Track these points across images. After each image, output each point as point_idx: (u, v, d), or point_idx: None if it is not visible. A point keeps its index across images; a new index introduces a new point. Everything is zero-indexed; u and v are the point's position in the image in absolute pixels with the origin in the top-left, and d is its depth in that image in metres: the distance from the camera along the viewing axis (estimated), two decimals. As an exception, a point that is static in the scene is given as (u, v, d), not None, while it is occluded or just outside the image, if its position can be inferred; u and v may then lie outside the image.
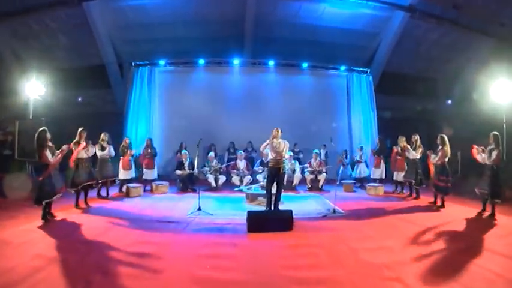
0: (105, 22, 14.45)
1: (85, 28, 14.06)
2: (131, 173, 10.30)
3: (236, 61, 14.01)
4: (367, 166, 12.41)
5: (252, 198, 8.51)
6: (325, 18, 14.81)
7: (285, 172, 7.49)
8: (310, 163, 11.18)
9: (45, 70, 12.74)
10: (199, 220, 6.85)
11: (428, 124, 16.83)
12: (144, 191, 10.39)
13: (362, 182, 11.83)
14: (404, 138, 10.09)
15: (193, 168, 10.49)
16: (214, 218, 6.98)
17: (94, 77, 15.72)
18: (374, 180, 11.39)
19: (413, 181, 9.36)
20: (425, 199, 9.08)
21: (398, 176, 10.16)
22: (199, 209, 7.36)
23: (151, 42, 15.17)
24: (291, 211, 6.21)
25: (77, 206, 7.86)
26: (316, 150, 11.41)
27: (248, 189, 8.78)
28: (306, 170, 11.09)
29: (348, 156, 13.29)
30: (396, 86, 16.96)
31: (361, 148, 12.45)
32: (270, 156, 7.34)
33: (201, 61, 13.93)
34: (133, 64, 14.07)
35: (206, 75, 14.18)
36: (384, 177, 11.35)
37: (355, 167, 12.44)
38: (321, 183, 10.94)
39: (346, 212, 7.70)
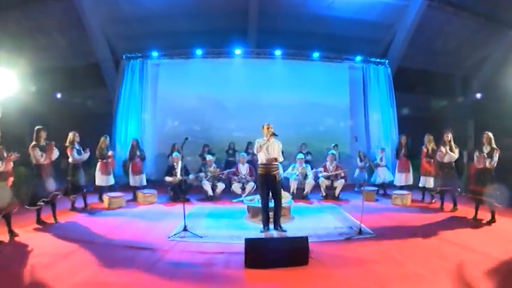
0: (98, 16, 13.03)
1: (77, 23, 12.72)
2: (110, 179, 8.80)
3: (238, 51, 12.40)
4: (389, 170, 10.74)
5: (254, 212, 6.83)
6: (336, 8, 13.23)
7: (281, 180, 6.01)
8: (325, 166, 9.47)
9: (35, 69, 11.50)
10: (183, 246, 5.19)
11: (449, 122, 15.32)
12: (131, 200, 8.94)
13: (384, 189, 10.15)
14: (432, 137, 8.67)
15: (186, 174, 8.87)
16: (203, 243, 5.33)
17: (88, 76, 14.48)
18: (399, 187, 9.65)
19: (451, 189, 7.75)
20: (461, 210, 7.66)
21: (426, 182, 8.64)
22: (185, 229, 5.70)
23: (149, 37, 13.70)
24: (306, 238, 4.47)
25: (39, 222, 6.35)
26: (333, 151, 9.72)
27: (250, 201, 7.08)
28: (320, 175, 9.38)
29: (365, 158, 11.52)
30: (412, 83, 15.47)
31: (383, 150, 10.72)
32: (261, 160, 5.80)
33: (199, 51, 12.37)
34: (124, 57, 12.64)
35: (204, 67, 12.60)
36: (410, 182, 9.63)
37: (375, 171, 10.73)
38: (337, 191, 9.23)
39: (374, 231, 5.99)
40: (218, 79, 12.49)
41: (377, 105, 13.12)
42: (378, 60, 13.49)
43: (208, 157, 9.47)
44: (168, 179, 8.86)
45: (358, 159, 10.96)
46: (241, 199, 7.88)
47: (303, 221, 6.71)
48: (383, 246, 5.21)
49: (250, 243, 4.23)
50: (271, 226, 5.91)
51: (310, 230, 5.91)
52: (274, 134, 5.73)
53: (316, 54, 12.71)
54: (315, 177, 9.35)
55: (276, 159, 5.75)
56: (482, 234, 5.91)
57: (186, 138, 6.03)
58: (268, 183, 5.77)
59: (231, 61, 12.61)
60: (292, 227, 6.07)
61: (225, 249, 4.98)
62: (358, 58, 13.18)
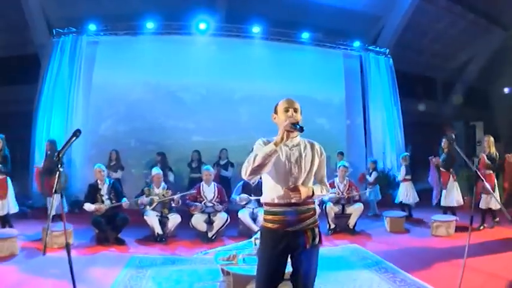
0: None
1: (16, 5, 9.17)
2: (5, 206, 5.51)
3: (203, 25, 9.20)
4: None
5: (237, 283, 3.52)
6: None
7: (317, 245, 2.45)
8: (332, 184, 6.42)
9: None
10: None
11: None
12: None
13: (409, 212, 7.51)
14: (493, 140, 6.36)
15: (118, 198, 5.52)
16: None
17: (26, 66, 10.61)
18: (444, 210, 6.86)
19: None
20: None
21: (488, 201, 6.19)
22: None
23: (87, 7, 10.10)
24: None
25: None
26: (344, 163, 6.70)
27: (229, 260, 3.67)
28: (327, 198, 6.28)
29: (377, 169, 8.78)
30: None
31: (406, 158, 7.92)
32: (270, 195, 2.39)
33: (150, 25, 9.15)
34: (54, 32, 9.21)
35: (156, 47, 9.44)
36: (461, 203, 6.82)
37: (399, 187, 7.87)
38: (353, 221, 6.20)
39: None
40: (174, 63, 9.37)
41: (379, 103, 10.60)
42: (378, 49, 10.85)
43: (155, 171, 6.02)
44: (89, 206, 5.44)
45: (366, 172, 8.40)
46: (209, 252, 4.38)
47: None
48: None
49: None
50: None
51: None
52: (299, 128, 2.27)
53: (305, 35, 9.84)
54: (321, 202, 6.25)
55: (312, 192, 2.37)
56: None
57: (76, 133, 2.60)
58: (287, 250, 2.39)
59: (193, 39, 9.50)
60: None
61: None
62: (357, 44, 10.48)
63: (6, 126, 8.68)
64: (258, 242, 3.52)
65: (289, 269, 2.43)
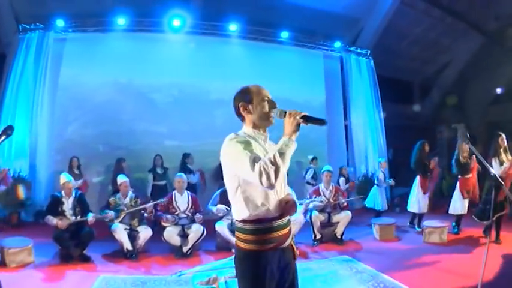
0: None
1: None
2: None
3: (177, 22, 8.69)
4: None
5: None
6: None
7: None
8: (317, 191, 6.01)
9: None
10: None
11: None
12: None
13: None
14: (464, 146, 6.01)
15: (83, 212, 4.92)
16: None
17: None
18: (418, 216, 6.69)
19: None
20: None
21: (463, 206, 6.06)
22: None
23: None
24: None
25: None
26: (328, 167, 6.30)
27: (209, 283, 3.16)
28: (312, 204, 5.86)
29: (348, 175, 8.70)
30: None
31: (385, 162, 7.64)
32: (261, 207, 1.88)
33: (121, 21, 8.51)
34: (20, 28, 8.43)
35: (127, 44, 8.87)
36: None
37: (376, 192, 7.53)
38: (340, 230, 5.81)
39: None
40: (146, 62, 8.78)
41: (361, 105, 10.33)
42: (359, 50, 10.60)
43: (121, 179, 5.43)
44: (51, 220, 4.81)
45: (341, 178, 8.16)
46: (186, 273, 3.87)
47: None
48: None
49: None
50: None
51: None
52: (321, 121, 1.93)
53: (284, 34, 9.47)
54: (306, 211, 5.81)
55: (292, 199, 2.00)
56: None
57: (7, 131, 1.96)
58: (283, 272, 1.93)
59: (166, 37, 8.98)
60: None
61: None
62: (337, 44, 10.17)
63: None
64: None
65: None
